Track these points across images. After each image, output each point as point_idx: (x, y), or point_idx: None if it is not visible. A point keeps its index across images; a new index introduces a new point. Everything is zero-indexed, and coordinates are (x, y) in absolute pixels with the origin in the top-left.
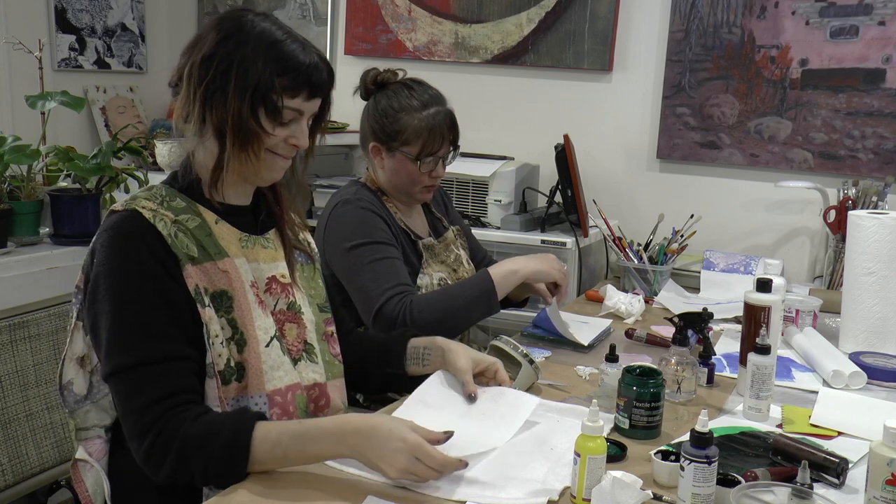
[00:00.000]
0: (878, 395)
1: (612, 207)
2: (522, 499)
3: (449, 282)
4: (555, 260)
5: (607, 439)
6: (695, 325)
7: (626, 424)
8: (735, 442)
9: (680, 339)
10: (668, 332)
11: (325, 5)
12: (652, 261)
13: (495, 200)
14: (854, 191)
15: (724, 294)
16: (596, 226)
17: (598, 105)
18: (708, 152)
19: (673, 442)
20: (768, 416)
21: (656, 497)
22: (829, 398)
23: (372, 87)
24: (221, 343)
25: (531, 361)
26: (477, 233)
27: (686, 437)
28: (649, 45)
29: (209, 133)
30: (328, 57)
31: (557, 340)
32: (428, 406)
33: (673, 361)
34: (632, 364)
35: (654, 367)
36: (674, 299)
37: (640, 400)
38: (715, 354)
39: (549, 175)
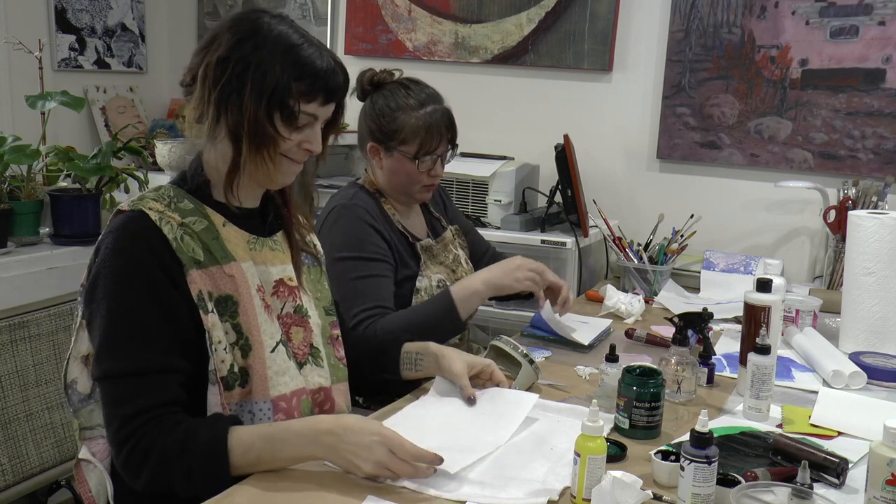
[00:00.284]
0: (878, 395)
1: (612, 207)
2: (522, 499)
3: (448, 283)
4: (524, 268)
5: (607, 439)
6: (695, 325)
7: (626, 424)
8: (735, 442)
9: (680, 339)
10: (668, 332)
11: (325, 5)
12: (652, 261)
13: (495, 200)
14: (854, 191)
15: (724, 294)
16: (596, 226)
17: (598, 105)
18: (708, 152)
19: (673, 442)
20: (768, 416)
21: (656, 497)
22: (829, 398)
23: (368, 87)
24: (225, 349)
25: (531, 361)
26: None
27: (686, 437)
28: (649, 45)
29: (222, 135)
30: None
31: (557, 340)
32: (428, 410)
33: (673, 361)
34: (632, 364)
35: (654, 367)
36: (674, 299)
37: (640, 400)
38: (715, 354)
39: (549, 175)
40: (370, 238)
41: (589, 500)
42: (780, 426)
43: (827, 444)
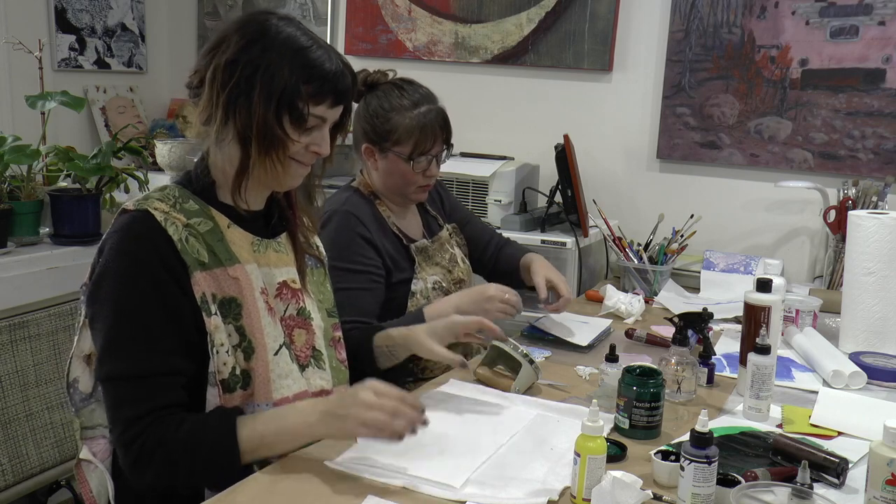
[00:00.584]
0: (878, 395)
1: (612, 207)
2: (522, 499)
3: (444, 284)
4: (496, 300)
5: (607, 439)
6: (695, 325)
7: (626, 424)
8: (735, 442)
9: (680, 339)
10: (668, 332)
11: (325, 5)
12: (652, 261)
13: (495, 200)
14: (854, 191)
15: (724, 294)
16: (596, 226)
17: (598, 105)
18: (708, 152)
19: (673, 442)
20: (768, 416)
21: (656, 497)
22: (829, 398)
23: (362, 88)
24: (227, 351)
25: (531, 361)
26: None
27: (686, 437)
28: (649, 45)
29: (230, 137)
30: None
31: (557, 340)
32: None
33: (673, 361)
34: (632, 364)
35: (654, 367)
36: (674, 299)
37: (640, 400)
38: (715, 354)
39: (549, 175)
40: (356, 248)
41: (589, 500)
42: (780, 426)
43: (827, 444)
